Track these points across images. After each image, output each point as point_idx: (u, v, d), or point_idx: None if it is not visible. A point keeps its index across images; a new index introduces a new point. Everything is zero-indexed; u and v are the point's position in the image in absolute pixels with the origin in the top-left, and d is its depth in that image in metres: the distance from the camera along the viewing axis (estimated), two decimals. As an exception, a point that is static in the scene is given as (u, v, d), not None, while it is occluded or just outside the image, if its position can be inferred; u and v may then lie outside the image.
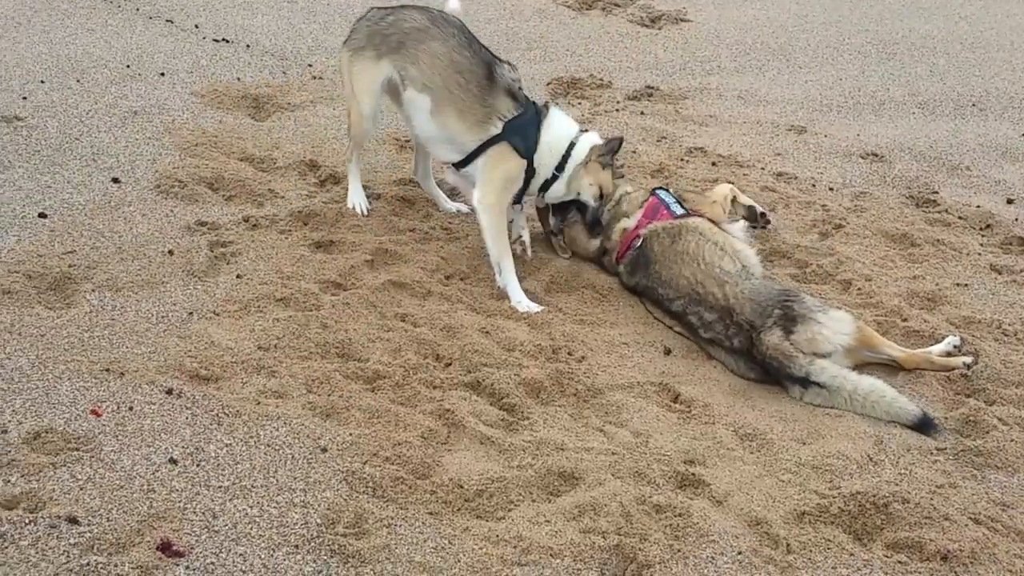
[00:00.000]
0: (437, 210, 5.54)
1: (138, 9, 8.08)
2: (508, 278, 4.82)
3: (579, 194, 5.10)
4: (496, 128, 4.92)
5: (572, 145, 5.01)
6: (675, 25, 9.21)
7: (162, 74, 6.82)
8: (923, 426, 4.16)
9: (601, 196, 5.10)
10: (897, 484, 3.77)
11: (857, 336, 4.46)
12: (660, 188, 5.28)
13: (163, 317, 4.28)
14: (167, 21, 7.92)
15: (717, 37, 8.95)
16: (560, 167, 5.02)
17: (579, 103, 7.25)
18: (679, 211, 5.06)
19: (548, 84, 7.52)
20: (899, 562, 3.41)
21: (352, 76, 5.23)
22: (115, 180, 5.34)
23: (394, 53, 5.07)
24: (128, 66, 6.87)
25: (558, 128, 5.05)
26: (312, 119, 6.48)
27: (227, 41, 7.64)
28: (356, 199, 5.40)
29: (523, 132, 4.94)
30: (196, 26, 7.88)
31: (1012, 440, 4.04)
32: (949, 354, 4.58)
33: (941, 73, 8.47)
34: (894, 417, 4.20)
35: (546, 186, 5.06)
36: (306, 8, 8.71)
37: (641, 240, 4.97)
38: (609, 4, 9.64)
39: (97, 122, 5.96)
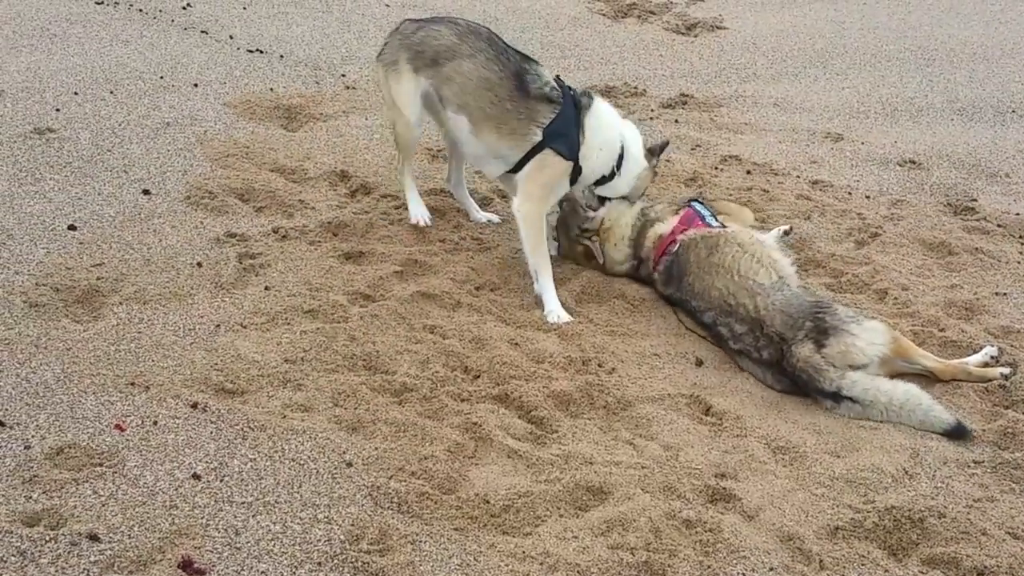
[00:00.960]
0: (468, 220, 5.54)
1: (173, 21, 8.16)
2: (545, 286, 4.80)
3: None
4: (537, 136, 4.87)
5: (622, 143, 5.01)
6: (711, 32, 9.18)
7: (195, 85, 6.86)
8: (957, 434, 4.09)
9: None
10: (933, 498, 3.68)
11: (892, 346, 4.38)
12: (695, 200, 5.24)
13: (190, 330, 4.27)
14: (202, 32, 7.98)
15: (753, 44, 8.91)
16: (618, 166, 5.02)
17: (613, 112, 7.22)
18: (713, 223, 5.02)
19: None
20: (936, 580, 3.33)
21: (391, 88, 5.20)
22: (145, 192, 5.37)
23: (429, 69, 5.07)
24: (162, 77, 6.93)
25: (607, 127, 5.01)
26: (344, 129, 6.49)
27: (261, 52, 7.69)
28: (417, 211, 5.40)
29: (564, 134, 4.88)
30: (231, 37, 7.94)
31: (1053, 454, 3.95)
32: (986, 365, 4.48)
33: (980, 79, 8.38)
34: (928, 426, 4.13)
35: (601, 182, 5.07)
36: (341, 18, 8.76)
37: (678, 246, 4.92)
38: (645, 12, 9.63)
39: (129, 133, 6.01)
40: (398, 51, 5.16)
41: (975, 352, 4.56)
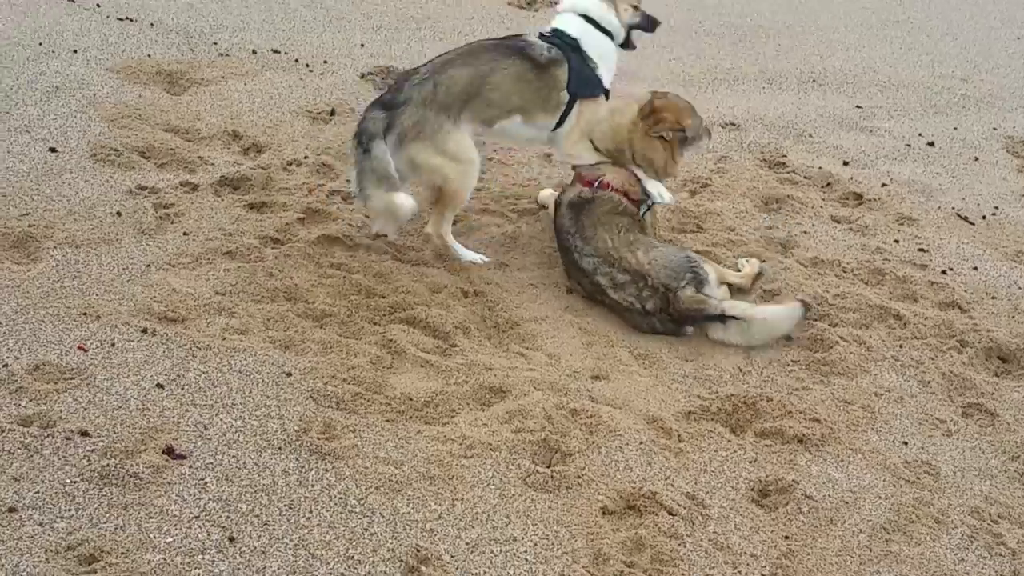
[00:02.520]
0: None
1: (37, -12, 8.34)
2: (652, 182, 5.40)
3: None
4: (564, 97, 5.24)
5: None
6: (551, 7, 9.80)
7: (75, 51, 7.14)
8: (807, 310, 5.02)
9: None
10: (762, 388, 4.62)
11: (719, 277, 5.21)
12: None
13: (124, 269, 4.78)
14: (68, 0, 8.21)
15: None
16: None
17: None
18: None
19: (440, 61, 8.13)
20: (766, 445, 4.25)
21: (442, 151, 5.06)
22: (52, 150, 5.75)
23: (468, 108, 5.12)
24: (40, 44, 7.17)
25: (597, 39, 5.31)
26: (227, 93, 6.93)
27: (131, 20, 7.97)
28: (471, 255, 5.38)
29: (584, 79, 5.24)
30: (98, 5, 8.18)
31: (851, 353, 4.91)
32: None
33: (786, 52, 9.33)
34: (794, 320, 4.96)
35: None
36: (202, -13, 9.09)
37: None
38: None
39: (23, 96, 6.31)
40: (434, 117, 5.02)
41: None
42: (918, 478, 4.16)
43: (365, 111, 5.17)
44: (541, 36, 5.32)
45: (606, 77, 5.38)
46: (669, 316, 4.97)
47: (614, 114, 5.47)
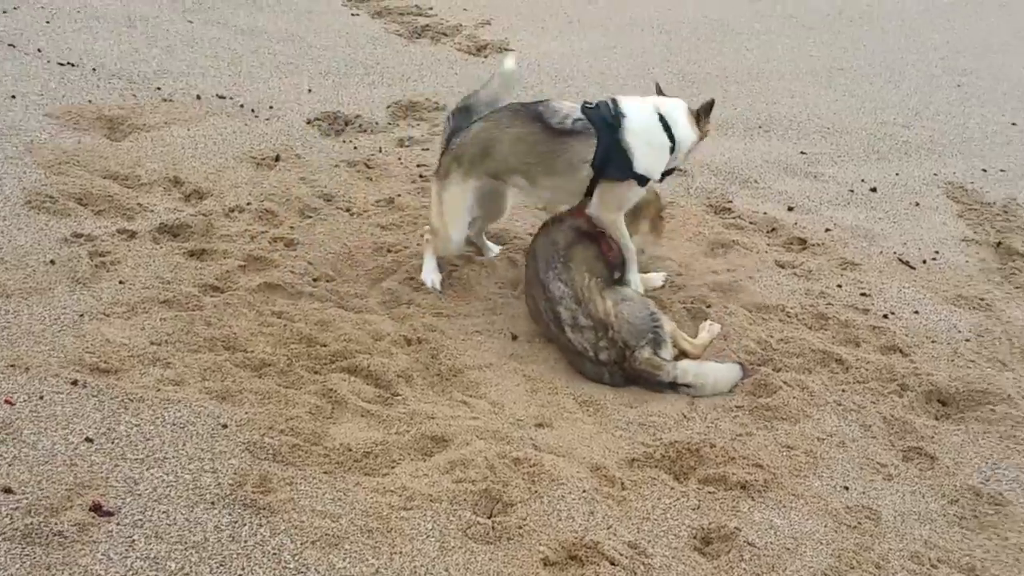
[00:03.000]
0: (300, 221, 6.05)
1: (-23, 34, 8.25)
2: (631, 269, 5.45)
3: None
4: (586, 170, 5.15)
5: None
6: (500, 54, 9.93)
7: (13, 96, 7.06)
8: (745, 374, 5.02)
9: None
10: (706, 434, 4.58)
11: (673, 337, 5.14)
12: None
13: (56, 319, 4.67)
14: (9, 45, 8.10)
15: (539, 66, 9.68)
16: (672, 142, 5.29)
17: (419, 124, 7.88)
18: None
19: (388, 107, 8.11)
20: (709, 492, 4.20)
21: (439, 197, 5.36)
22: (-14, 197, 5.66)
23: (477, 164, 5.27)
24: (-23, 90, 7.11)
25: (647, 129, 5.18)
26: (168, 139, 6.87)
27: (72, 65, 7.91)
28: (430, 278, 5.58)
29: (612, 160, 5.11)
30: (39, 50, 8.11)
31: (793, 398, 4.89)
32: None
33: (732, 99, 9.43)
34: (735, 382, 4.97)
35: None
36: (146, 33, 9.03)
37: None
38: (437, 34, 10.31)
39: (-42, 143, 6.23)
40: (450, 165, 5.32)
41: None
42: (859, 523, 4.14)
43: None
44: (585, 105, 5.23)
45: (650, 171, 5.23)
46: (621, 370, 4.93)
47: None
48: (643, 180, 5.22)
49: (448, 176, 5.30)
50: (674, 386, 4.93)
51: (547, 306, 5.12)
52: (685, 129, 5.31)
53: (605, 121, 5.11)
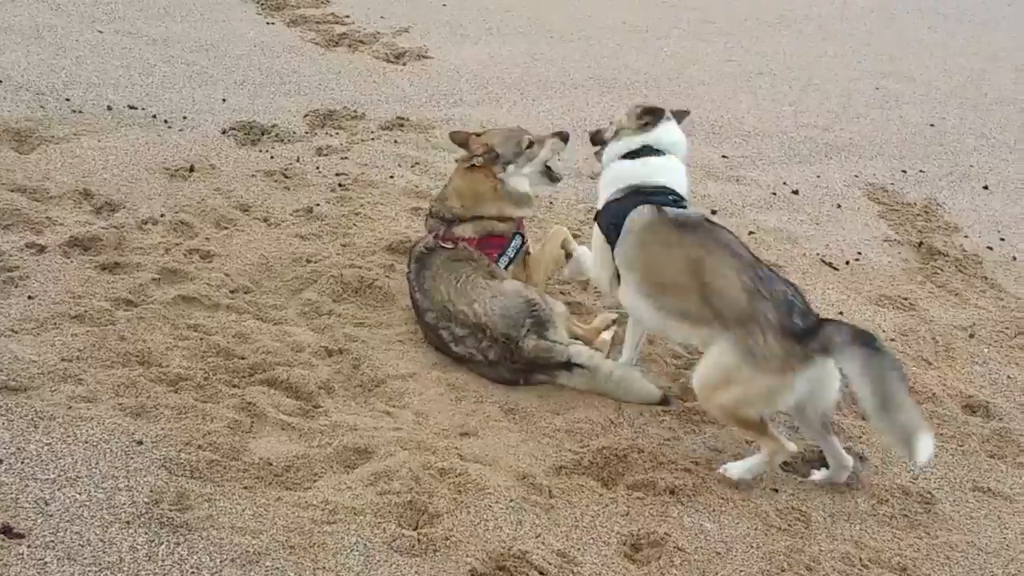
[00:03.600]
0: (217, 232, 5.87)
1: None
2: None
3: None
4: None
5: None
6: (418, 61, 9.87)
7: (-85, 109, 6.84)
8: (664, 403, 4.85)
9: None
10: (634, 440, 4.54)
11: (567, 324, 5.11)
12: (520, 234, 5.49)
13: (-38, 336, 4.50)
14: (-90, 58, 7.87)
15: (457, 72, 9.65)
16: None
17: (337, 133, 7.76)
18: (503, 263, 5.33)
19: (305, 116, 7.98)
20: (638, 498, 4.15)
21: None
22: None
23: None
24: None
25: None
26: (79, 151, 6.67)
27: (-22, 76, 7.69)
28: None
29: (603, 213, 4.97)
30: (-57, 63, 7.88)
31: (722, 401, 4.90)
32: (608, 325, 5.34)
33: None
34: (640, 398, 4.84)
35: None
36: (54, 43, 8.80)
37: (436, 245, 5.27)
38: (355, 41, 10.19)
39: None
40: None
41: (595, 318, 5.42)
42: (790, 525, 4.13)
43: None
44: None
45: None
46: (514, 365, 4.86)
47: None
48: None
49: None
50: (570, 366, 4.83)
51: (434, 337, 5.06)
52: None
53: None
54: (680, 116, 5.30)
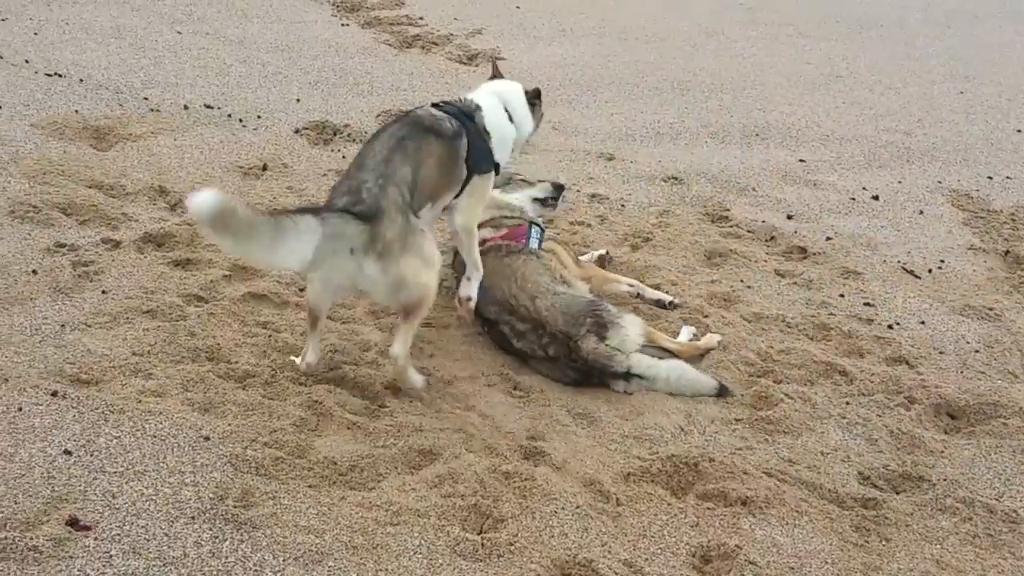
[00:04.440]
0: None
1: (-36, 44, 8.15)
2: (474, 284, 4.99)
3: None
4: (463, 171, 4.79)
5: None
6: (490, 63, 9.83)
7: (-1, 106, 6.97)
8: (721, 393, 4.86)
9: None
10: (704, 448, 4.43)
11: (645, 335, 5.03)
12: (536, 224, 5.59)
13: (37, 329, 4.54)
14: (-4, 56, 8.03)
15: (530, 74, 9.59)
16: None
17: (409, 133, 7.75)
18: (533, 246, 5.40)
19: (378, 116, 8.00)
20: (708, 508, 4.05)
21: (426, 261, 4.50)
22: (-32, 207, 5.53)
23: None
24: (-37, 99, 7.00)
25: (498, 120, 4.98)
26: (155, 148, 6.76)
27: (60, 75, 7.81)
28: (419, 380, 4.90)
29: (481, 152, 4.82)
30: (26, 61, 8.01)
31: (796, 411, 4.76)
32: (696, 337, 5.27)
33: (728, 107, 9.35)
34: (697, 391, 4.86)
35: None
36: (134, 44, 8.94)
37: (484, 247, 5.26)
38: (428, 43, 10.22)
39: (-59, 152, 6.10)
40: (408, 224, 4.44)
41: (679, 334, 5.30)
42: (867, 541, 3.98)
43: (332, 219, 4.23)
44: (435, 106, 4.89)
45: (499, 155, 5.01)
46: (573, 364, 4.85)
47: None
48: (498, 167, 5.02)
49: (416, 234, 4.46)
50: (628, 376, 4.83)
51: (495, 333, 5.07)
52: (526, 119, 5.18)
53: (467, 117, 4.84)
54: None
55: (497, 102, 5.07)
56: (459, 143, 4.75)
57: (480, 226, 5.22)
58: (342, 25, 10.60)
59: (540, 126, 5.39)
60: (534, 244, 5.45)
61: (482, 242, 5.26)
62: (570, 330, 4.86)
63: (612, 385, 4.88)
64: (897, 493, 4.34)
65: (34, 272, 4.99)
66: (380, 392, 4.51)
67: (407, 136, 4.61)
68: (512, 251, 5.29)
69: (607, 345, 4.85)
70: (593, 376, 4.87)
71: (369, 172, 4.42)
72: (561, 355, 4.87)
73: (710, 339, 5.25)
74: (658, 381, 4.87)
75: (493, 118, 4.97)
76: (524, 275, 5.10)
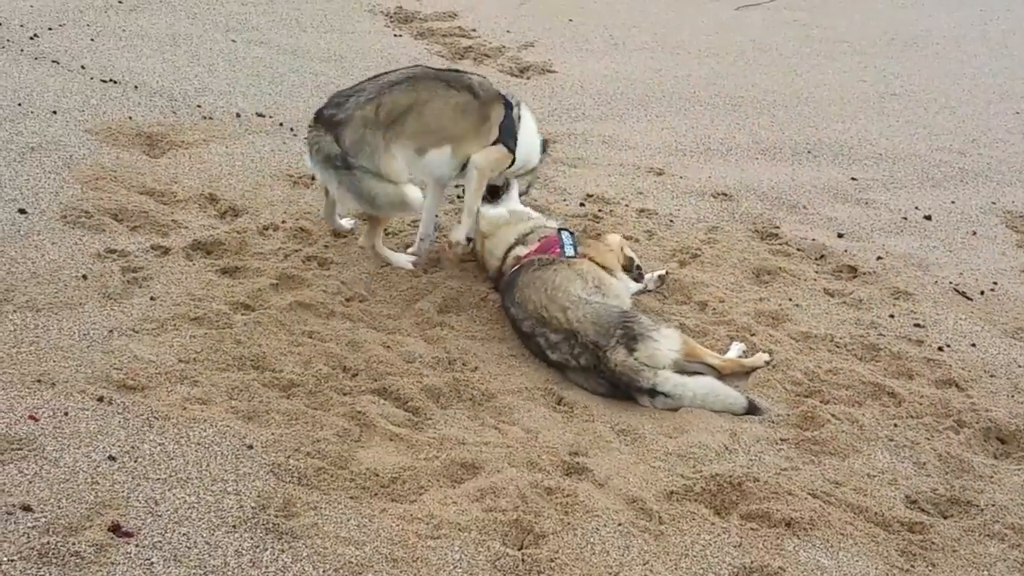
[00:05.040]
0: (335, 240, 5.94)
1: (22, 50, 8.25)
2: (467, 222, 5.72)
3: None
4: (495, 133, 5.70)
5: None
6: (542, 76, 9.83)
7: (54, 112, 7.05)
8: (752, 411, 4.82)
9: None
10: (749, 467, 4.38)
11: (684, 349, 5.01)
12: (564, 229, 5.69)
13: (85, 334, 4.59)
14: (53, 62, 8.12)
15: (581, 88, 9.58)
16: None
17: (458, 145, 7.76)
18: (570, 253, 5.48)
19: (428, 127, 8.01)
20: (752, 529, 4.00)
21: (378, 173, 5.40)
22: (21, 211, 5.59)
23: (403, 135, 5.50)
24: (19, 104, 7.08)
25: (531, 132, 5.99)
26: (207, 156, 6.82)
27: (115, 82, 7.90)
28: (402, 259, 5.83)
29: (508, 127, 5.74)
30: (82, 67, 8.12)
31: (842, 432, 4.69)
32: (745, 355, 5.24)
33: (780, 123, 9.25)
34: (728, 408, 4.82)
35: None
36: (189, 52, 9.02)
37: (518, 265, 5.43)
38: (480, 55, 10.22)
39: (-3, 156, 6.20)
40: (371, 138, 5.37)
41: (730, 350, 5.27)
42: (912, 566, 3.91)
43: (311, 131, 5.43)
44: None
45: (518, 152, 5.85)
46: (602, 375, 4.87)
47: None
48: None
49: (377, 150, 5.43)
50: (653, 393, 4.82)
51: (533, 345, 5.10)
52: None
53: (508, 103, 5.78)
54: None
55: (532, 117, 5.98)
56: (491, 107, 5.66)
57: (511, 247, 5.59)
58: (395, 36, 10.64)
59: (537, 176, 6.33)
60: (569, 251, 5.49)
61: (516, 260, 5.44)
62: (600, 340, 4.89)
63: (638, 399, 4.87)
64: (945, 518, 4.26)
65: (84, 277, 5.05)
66: (423, 404, 4.50)
67: (429, 78, 5.60)
68: (544, 263, 5.33)
69: (635, 359, 4.85)
70: (620, 388, 4.86)
71: (369, 85, 5.52)
72: (592, 365, 4.89)
73: (758, 358, 5.19)
74: (684, 400, 4.84)
75: (527, 122, 5.88)
76: (555, 285, 5.15)
